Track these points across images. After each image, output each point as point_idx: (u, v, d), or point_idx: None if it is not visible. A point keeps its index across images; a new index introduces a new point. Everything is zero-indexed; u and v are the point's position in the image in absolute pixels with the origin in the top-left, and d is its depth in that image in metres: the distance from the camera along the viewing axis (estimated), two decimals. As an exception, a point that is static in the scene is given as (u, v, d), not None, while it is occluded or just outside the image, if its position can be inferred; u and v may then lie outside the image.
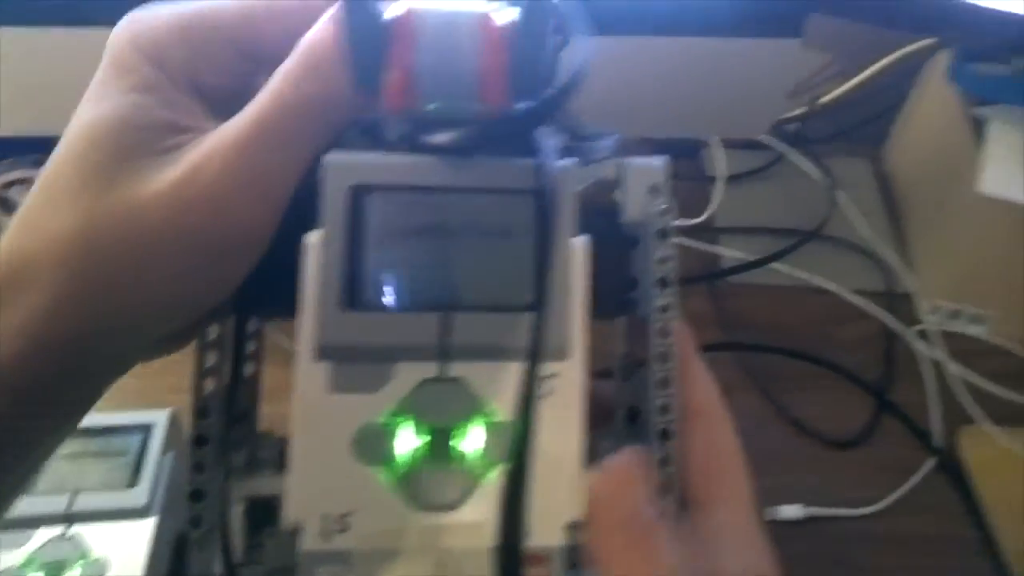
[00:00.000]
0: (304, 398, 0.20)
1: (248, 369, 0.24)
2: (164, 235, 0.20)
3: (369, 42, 0.19)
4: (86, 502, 0.39)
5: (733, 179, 0.65)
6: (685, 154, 0.68)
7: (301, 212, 0.21)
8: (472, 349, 0.20)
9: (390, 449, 0.20)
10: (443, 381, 0.20)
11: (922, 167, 0.65)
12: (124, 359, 0.24)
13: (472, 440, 0.20)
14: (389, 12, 0.19)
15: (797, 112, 0.70)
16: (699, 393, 0.24)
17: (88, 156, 0.21)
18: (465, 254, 0.21)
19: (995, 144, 0.54)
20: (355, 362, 0.20)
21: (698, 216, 0.63)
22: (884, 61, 0.68)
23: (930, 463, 0.51)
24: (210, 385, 0.22)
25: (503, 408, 0.20)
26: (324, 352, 0.20)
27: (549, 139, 0.20)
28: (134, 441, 0.42)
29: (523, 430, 0.18)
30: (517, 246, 0.21)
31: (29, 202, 0.22)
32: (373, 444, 0.20)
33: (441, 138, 0.21)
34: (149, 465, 0.41)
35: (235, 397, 0.23)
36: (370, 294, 0.20)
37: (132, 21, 0.22)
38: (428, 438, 0.20)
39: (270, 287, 0.21)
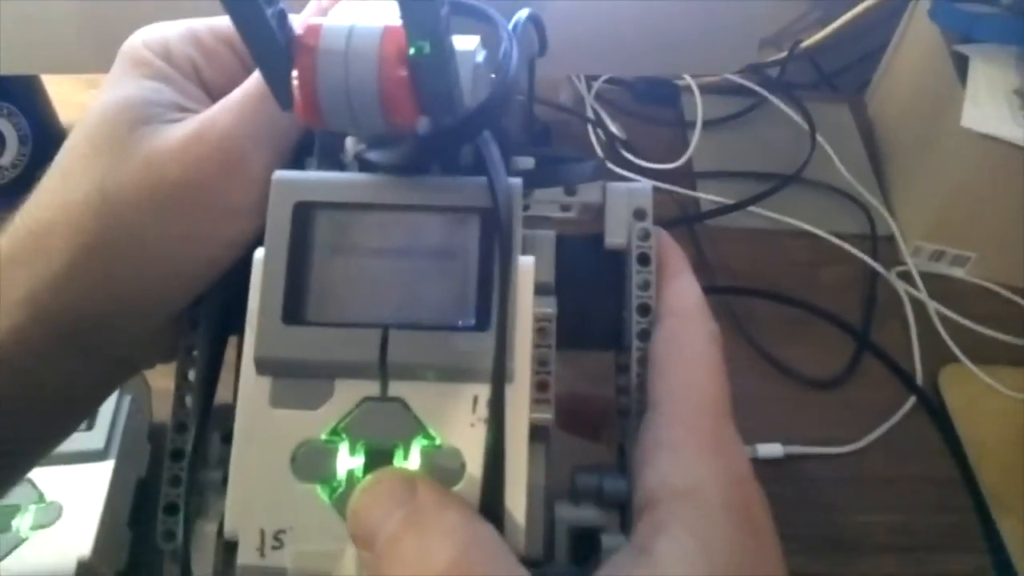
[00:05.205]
0: (245, 411, 0.20)
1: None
2: (179, 188, 0.21)
3: (273, 60, 0.18)
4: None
5: (712, 124, 0.64)
6: (664, 100, 0.67)
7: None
8: (413, 368, 0.20)
9: (329, 467, 0.20)
10: (384, 400, 0.20)
11: (905, 108, 0.64)
12: (124, 349, 0.24)
13: (411, 462, 0.20)
14: (298, 28, 0.18)
15: (778, 56, 0.69)
16: (674, 295, 0.24)
17: (101, 129, 0.22)
18: (407, 272, 0.20)
19: (977, 81, 0.53)
20: (296, 377, 0.20)
21: (676, 161, 0.61)
22: (865, 3, 0.66)
23: (911, 402, 0.50)
24: (189, 401, 0.22)
25: (443, 430, 0.20)
26: (265, 366, 0.20)
27: (496, 153, 0.20)
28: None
29: (495, 449, 0.19)
30: (459, 265, 0.20)
31: (45, 178, 0.23)
32: (312, 461, 0.20)
33: (377, 156, 0.21)
34: (106, 407, 0.39)
35: (209, 414, 0.23)
36: (311, 310, 0.20)
37: (143, 30, 0.24)
38: (367, 457, 0.20)
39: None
